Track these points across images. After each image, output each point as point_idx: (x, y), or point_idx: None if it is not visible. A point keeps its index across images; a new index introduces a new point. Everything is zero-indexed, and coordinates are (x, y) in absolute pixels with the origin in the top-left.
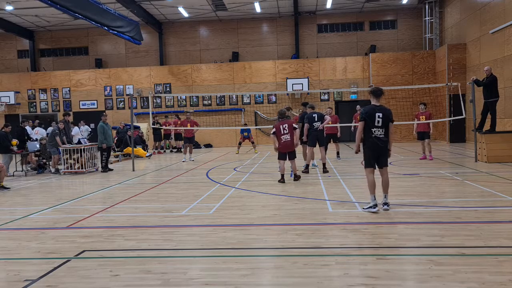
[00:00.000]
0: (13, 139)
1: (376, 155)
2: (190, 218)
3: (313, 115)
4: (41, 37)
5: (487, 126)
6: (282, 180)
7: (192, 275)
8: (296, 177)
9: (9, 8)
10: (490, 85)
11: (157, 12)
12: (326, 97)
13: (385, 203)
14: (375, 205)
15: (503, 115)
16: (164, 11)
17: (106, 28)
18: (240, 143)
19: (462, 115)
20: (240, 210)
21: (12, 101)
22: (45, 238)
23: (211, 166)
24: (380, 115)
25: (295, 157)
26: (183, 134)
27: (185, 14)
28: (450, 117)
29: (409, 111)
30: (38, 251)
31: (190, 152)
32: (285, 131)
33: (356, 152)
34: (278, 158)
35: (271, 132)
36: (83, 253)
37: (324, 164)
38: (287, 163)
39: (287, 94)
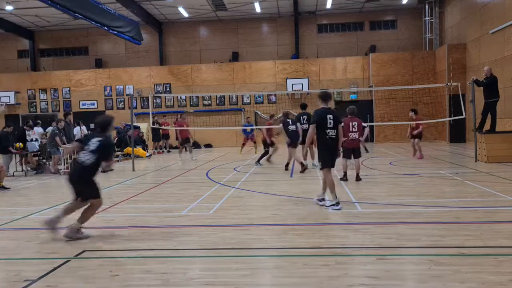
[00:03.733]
0: (17, 143)
1: (331, 154)
2: (190, 218)
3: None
4: (41, 37)
5: (487, 126)
6: (345, 178)
7: (192, 275)
8: (359, 178)
9: (9, 8)
10: (490, 85)
11: (157, 12)
12: None
13: (323, 199)
14: (338, 203)
15: (503, 115)
16: (164, 11)
17: (106, 28)
18: (244, 144)
19: (462, 115)
20: (240, 210)
21: (12, 101)
22: (45, 238)
23: (211, 166)
24: (331, 116)
25: (360, 156)
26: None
27: (185, 14)
28: (450, 117)
29: (409, 111)
30: (38, 251)
31: (190, 152)
32: (353, 128)
33: (304, 157)
34: (343, 157)
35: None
36: (83, 253)
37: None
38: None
39: (287, 94)
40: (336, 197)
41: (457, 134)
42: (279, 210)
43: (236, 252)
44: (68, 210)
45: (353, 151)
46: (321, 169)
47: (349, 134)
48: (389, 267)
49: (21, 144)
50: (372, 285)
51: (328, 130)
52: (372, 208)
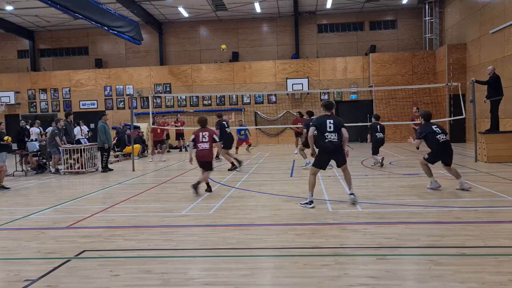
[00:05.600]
0: (6, 136)
1: (330, 157)
2: (190, 218)
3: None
4: (41, 37)
5: (487, 126)
6: (196, 188)
7: (192, 275)
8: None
9: (9, 8)
10: (493, 84)
11: (157, 12)
12: (326, 97)
13: (352, 194)
14: (311, 202)
15: (503, 115)
16: (164, 11)
17: (106, 28)
18: (237, 148)
19: (462, 115)
20: (240, 210)
21: (12, 101)
22: (45, 238)
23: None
24: (331, 121)
25: (211, 169)
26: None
27: (185, 14)
28: (450, 117)
29: (409, 111)
30: (38, 251)
31: (162, 153)
32: (204, 139)
33: (312, 155)
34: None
35: (190, 139)
36: (83, 253)
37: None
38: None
39: (287, 94)
40: (312, 196)
41: (457, 134)
42: (279, 210)
43: (236, 252)
44: None
45: (203, 164)
46: (313, 166)
47: (199, 145)
48: (389, 267)
49: (9, 138)
50: (372, 285)
51: (327, 134)
52: (372, 208)
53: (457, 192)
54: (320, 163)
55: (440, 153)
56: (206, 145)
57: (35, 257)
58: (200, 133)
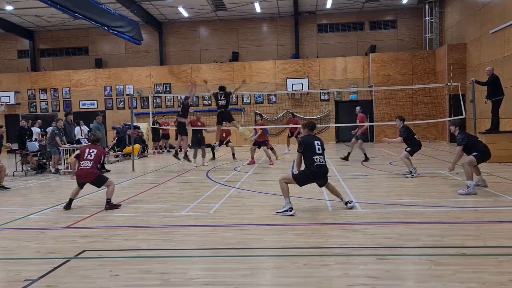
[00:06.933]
0: (7, 143)
1: (314, 181)
2: (190, 218)
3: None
4: (41, 37)
5: (487, 126)
6: (68, 207)
7: (192, 275)
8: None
9: (9, 8)
10: (492, 85)
11: (157, 12)
12: (326, 97)
13: (347, 202)
14: (291, 208)
15: (503, 115)
16: (164, 11)
17: (106, 28)
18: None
19: (462, 115)
20: (240, 210)
21: (12, 101)
22: (45, 238)
23: (211, 166)
24: (319, 142)
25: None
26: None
27: (185, 14)
28: (450, 117)
29: (409, 111)
30: (38, 251)
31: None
32: (89, 156)
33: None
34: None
35: (74, 155)
36: (83, 253)
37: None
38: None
39: (287, 94)
40: (290, 202)
41: None
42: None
43: (236, 252)
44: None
45: (83, 184)
46: (293, 177)
47: (81, 162)
48: (389, 267)
49: (10, 145)
50: (372, 285)
51: (316, 156)
52: (372, 208)
53: (457, 192)
54: (301, 182)
55: (487, 150)
56: (88, 164)
57: (35, 257)
58: (87, 150)
